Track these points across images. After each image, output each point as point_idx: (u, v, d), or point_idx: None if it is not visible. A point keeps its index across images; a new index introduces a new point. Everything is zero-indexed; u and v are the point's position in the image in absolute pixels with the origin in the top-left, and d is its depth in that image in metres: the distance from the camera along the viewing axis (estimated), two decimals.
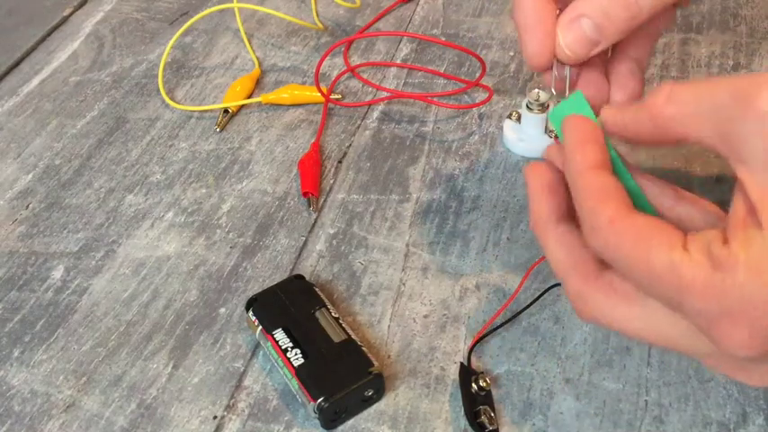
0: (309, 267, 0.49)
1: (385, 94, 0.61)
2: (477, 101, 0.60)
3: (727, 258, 0.28)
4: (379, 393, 0.41)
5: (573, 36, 0.36)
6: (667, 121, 0.31)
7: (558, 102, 0.37)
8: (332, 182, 0.54)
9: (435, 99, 0.59)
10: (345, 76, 0.63)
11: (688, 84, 0.31)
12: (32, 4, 0.74)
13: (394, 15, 0.70)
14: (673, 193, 0.34)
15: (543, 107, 0.53)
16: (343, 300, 0.47)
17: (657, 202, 0.35)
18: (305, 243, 0.50)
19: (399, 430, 0.40)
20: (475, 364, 0.43)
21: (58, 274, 0.49)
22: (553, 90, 0.37)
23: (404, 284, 0.47)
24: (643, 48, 0.40)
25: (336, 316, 0.43)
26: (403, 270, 0.48)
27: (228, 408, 0.42)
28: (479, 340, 0.43)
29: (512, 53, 0.64)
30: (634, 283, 0.32)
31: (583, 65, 0.38)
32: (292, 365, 0.41)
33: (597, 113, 0.35)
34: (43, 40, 0.69)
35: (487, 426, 0.39)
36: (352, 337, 0.42)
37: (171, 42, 0.63)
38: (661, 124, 0.32)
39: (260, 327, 0.43)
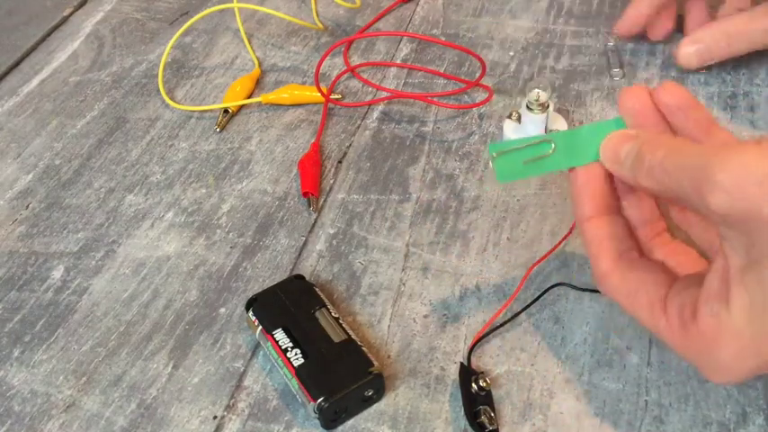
0: (309, 267, 0.49)
1: (385, 94, 0.61)
2: (477, 101, 0.60)
3: (695, 331, 0.33)
4: (379, 393, 0.41)
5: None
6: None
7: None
8: (332, 182, 0.54)
9: (435, 99, 0.59)
10: (345, 76, 0.63)
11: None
12: (32, 4, 0.74)
13: (394, 15, 0.70)
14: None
15: (543, 107, 0.53)
16: (343, 300, 0.47)
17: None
18: (305, 243, 0.50)
19: (399, 430, 0.40)
20: (475, 364, 0.43)
21: (58, 274, 0.49)
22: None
23: (404, 284, 0.47)
24: None
25: (336, 316, 0.43)
26: (403, 270, 0.48)
27: (228, 408, 0.42)
28: (479, 340, 0.43)
29: (512, 53, 0.64)
30: None
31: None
32: (292, 365, 0.41)
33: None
34: (43, 40, 0.69)
35: (487, 426, 0.39)
36: (352, 337, 0.42)
37: (171, 42, 0.63)
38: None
39: (260, 327, 0.43)
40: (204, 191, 0.54)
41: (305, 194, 0.53)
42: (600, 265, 0.37)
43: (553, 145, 0.38)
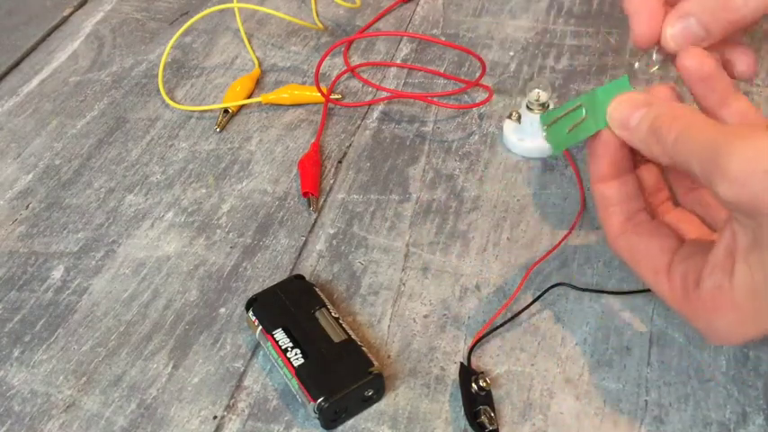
0: (309, 267, 0.49)
1: (385, 94, 0.61)
2: (477, 101, 0.60)
3: (696, 299, 0.35)
4: (379, 393, 0.41)
5: (679, 30, 0.38)
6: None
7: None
8: (332, 182, 0.54)
9: (435, 99, 0.59)
10: (345, 76, 0.63)
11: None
12: (32, 4, 0.74)
13: (394, 15, 0.70)
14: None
15: (543, 107, 0.53)
16: (343, 300, 0.47)
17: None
18: (305, 243, 0.50)
19: (399, 430, 0.40)
20: (475, 364, 0.43)
21: (58, 274, 0.49)
22: (654, 68, 0.40)
23: (404, 284, 0.47)
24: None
25: (336, 316, 0.43)
26: (403, 270, 0.48)
27: (228, 408, 0.42)
28: (479, 340, 0.43)
29: (512, 53, 0.64)
30: None
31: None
32: (292, 365, 0.41)
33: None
34: (43, 40, 0.69)
35: (487, 426, 0.39)
36: (352, 337, 0.42)
37: (171, 42, 0.63)
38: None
39: (260, 327, 0.43)
40: (204, 191, 0.54)
41: (305, 194, 0.53)
42: (609, 228, 0.38)
43: (584, 110, 0.38)
